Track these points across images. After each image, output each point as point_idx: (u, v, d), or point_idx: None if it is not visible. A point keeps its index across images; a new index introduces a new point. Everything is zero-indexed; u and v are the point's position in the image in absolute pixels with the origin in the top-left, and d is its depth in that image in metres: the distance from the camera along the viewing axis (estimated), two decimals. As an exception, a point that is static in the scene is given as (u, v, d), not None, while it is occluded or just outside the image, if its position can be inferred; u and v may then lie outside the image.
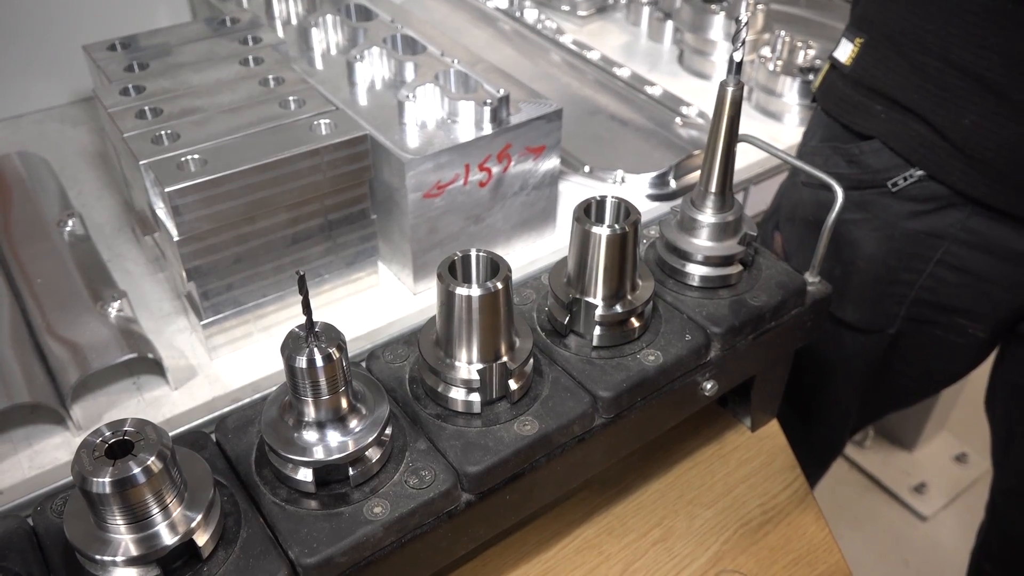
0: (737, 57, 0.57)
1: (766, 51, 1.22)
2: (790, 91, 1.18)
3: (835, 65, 0.88)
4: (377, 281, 0.89)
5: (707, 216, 0.64)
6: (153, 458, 0.43)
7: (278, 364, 0.76)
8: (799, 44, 1.21)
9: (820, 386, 0.99)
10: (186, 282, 0.76)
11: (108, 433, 0.43)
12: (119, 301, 0.80)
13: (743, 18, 0.58)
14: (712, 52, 1.27)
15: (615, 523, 0.67)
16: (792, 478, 0.72)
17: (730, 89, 0.59)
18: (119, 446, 0.43)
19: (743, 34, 0.57)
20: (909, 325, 0.87)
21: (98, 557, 0.43)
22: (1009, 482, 1.05)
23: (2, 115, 1.13)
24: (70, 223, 0.89)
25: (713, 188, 0.63)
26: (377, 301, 0.88)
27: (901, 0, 0.77)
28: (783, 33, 1.21)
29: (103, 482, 0.42)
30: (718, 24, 1.26)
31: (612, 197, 0.59)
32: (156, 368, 0.77)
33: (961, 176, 0.76)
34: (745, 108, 1.22)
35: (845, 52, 0.86)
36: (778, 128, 1.18)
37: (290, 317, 0.84)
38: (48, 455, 0.72)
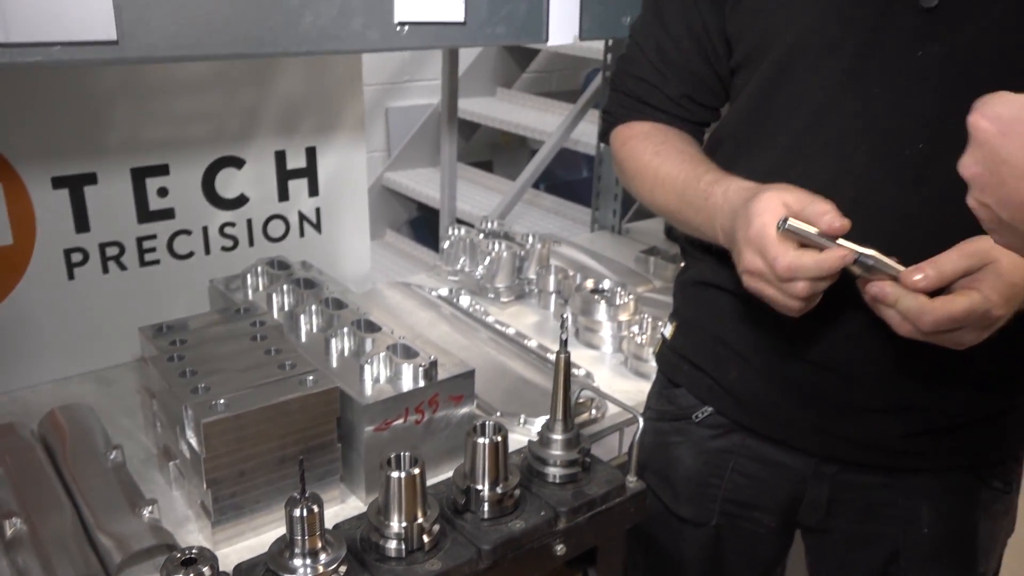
0: (563, 336, 0.96)
1: (635, 328, 1.64)
2: (653, 358, 1.58)
3: (664, 339, 1.29)
4: (338, 495, 1.20)
5: (557, 435, 1.00)
6: (207, 567, 0.74)
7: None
8: (660, 323, 1.63)
9: (679, 574, 1.28)
10: (205, 490, 1.07)
11: (184, 552, 0.75)
12: (150, 507, 1.10)
13: (567, 316, 0.98)
14: (599, 329, 1.69)
15: (502, 655, 0.95)
16: (630, 624, 1.01)
17: (562, 356, 0.97)
18: (188, 560, 0.74)
19: (567, 322, 0.96)
20: (724, 519, 1.20)
21: (168, 630, 0.73)
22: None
23: (56, 376, 1.48)
24: (112, 454, 1.21)
25: (559, 416, 1.00)
26: (337, 511, 1.18)
27: (690, 303, 1.20)
28: (646, 315, 1.64)
29: (179, 579, 0.72)
30: (602, 309, 1.70)
31: (490, 420, 0.95)
32: (176, 554, 1.06)
33: (734, 412, 1.14)
34: (622, 371, 1.62)
35: (668, 330, 1.27)
36: (646, 384, 1.56)
37: (273, 520, 1.14)
38: (93, 619, 0.99)
